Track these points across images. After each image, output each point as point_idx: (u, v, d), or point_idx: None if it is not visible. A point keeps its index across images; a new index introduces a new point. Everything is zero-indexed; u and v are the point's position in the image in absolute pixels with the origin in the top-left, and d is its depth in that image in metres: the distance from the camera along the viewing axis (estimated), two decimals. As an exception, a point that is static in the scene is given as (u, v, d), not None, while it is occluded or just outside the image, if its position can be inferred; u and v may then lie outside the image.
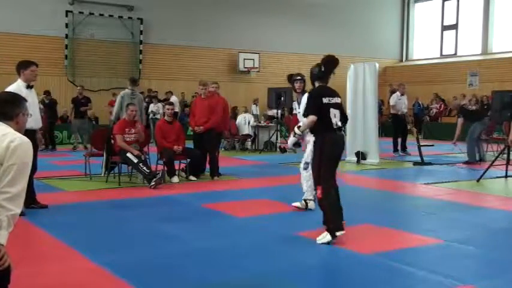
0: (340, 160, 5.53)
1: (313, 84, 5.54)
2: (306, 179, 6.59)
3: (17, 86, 6.41)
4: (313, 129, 5.40)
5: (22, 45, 17.63)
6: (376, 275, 4.31)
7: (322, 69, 5.38)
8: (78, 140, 15.06)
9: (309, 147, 6.44)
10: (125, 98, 9.93)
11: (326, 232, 5.12)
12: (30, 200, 6.51)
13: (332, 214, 5.14)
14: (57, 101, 15.56)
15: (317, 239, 5.12)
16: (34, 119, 6.40)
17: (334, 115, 5.29)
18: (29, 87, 6.54)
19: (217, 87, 9.90)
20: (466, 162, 11.75)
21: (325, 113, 5.25)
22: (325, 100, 5.26)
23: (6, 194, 2.56)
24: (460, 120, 12.26)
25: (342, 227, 5.13)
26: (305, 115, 5.36)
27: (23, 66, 6.54)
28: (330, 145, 5.26)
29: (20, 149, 2.62)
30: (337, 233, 5.08)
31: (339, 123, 5.34)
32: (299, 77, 7.06)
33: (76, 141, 15.15)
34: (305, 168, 6.59)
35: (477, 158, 11.95)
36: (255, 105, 19.90)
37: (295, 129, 5.58)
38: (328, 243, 5.06)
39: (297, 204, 6.69)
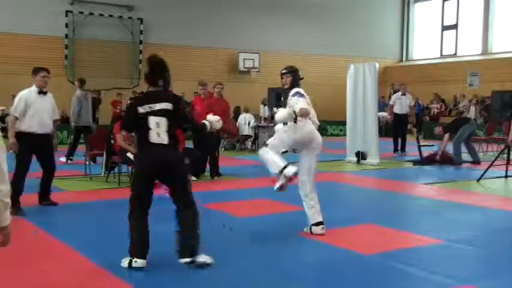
0: (155, 180, 4.62)
1: None
2: (308, 206, 5.59)
3: (28, 91, 6.55)
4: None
5: (22, 45, 17.60)
6: (376, 275, 4.32)
7: (150, 72, 4.46)
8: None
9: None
10: (81, 99, 11.38)
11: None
12: (45, 197, 6.82)
13: (132, 238, 4.38)
14: None
15: (122, 261, 4.38)
16: (38, 123, 6.42)
17: (157, 124, 4.31)
18: (41, 92, 6.56)
19: (222, 88, 9.89)
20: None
21: (141, 125, 4.33)
22: (141, 109, 4.32)
23: None
24: (446, 136, 12.15)
25: (143, 256, 4.32)
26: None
27: (35, 71, 6.63)
28: (139, 164, 4.52)
29: None
30: (134, 264, 4.27)
31: (164, 136, 4.33)
32: (284, 71, 5.84)
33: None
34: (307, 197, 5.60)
35: (471, 159, 11.87)
36: (263, 105, 19.16)
37: None
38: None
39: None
